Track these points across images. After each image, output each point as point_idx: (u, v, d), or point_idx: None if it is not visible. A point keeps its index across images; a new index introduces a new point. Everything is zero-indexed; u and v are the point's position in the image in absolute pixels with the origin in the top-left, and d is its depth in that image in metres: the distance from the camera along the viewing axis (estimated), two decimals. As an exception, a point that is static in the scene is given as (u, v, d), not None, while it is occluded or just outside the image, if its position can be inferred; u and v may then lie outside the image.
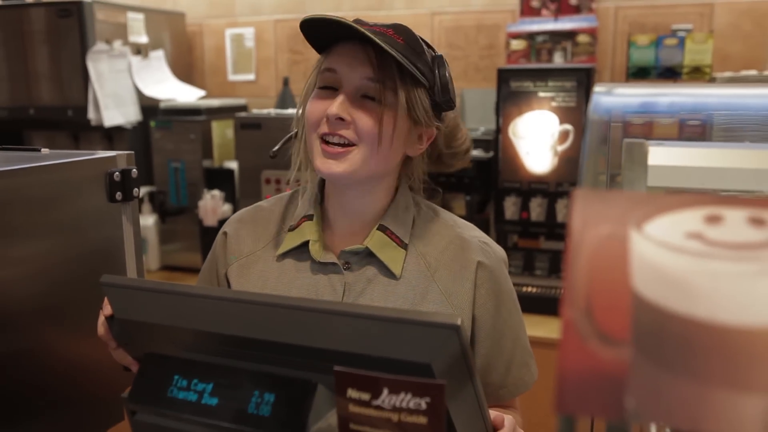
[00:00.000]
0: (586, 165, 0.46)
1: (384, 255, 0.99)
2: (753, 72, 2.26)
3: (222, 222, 2.54)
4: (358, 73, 0.94)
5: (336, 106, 0.93)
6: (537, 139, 2.20)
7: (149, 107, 2.75)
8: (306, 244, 1.02)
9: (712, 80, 2.32)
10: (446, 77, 0.99)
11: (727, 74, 2.29)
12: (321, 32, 0.96)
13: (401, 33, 0.95)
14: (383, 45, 0.90)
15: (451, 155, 1.11)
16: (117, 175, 1.11)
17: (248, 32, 3.06)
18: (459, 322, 0.64)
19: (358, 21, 0.97)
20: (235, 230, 1.09)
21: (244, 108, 2.91)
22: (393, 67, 0.93)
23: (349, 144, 0.94)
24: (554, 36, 2.52)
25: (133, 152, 1.16)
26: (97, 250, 1.13)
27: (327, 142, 0.95)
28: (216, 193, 2.58)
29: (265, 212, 1.10)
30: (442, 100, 1.00)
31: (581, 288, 0.41)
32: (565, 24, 2.51)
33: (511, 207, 2.27)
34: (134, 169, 1.14)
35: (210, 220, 2.56)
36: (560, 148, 2.19)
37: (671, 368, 0.38)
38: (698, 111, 0.59)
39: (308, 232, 1.02)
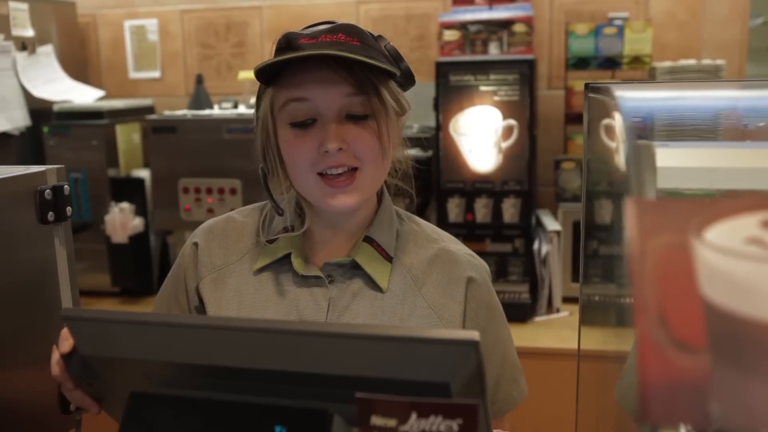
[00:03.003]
0: (633, 174, 0.50)
1: (370, 268, 1.02)
2: (692, 62, 2.43)
3: (134, 238, 2.49)
4: (335, 92, 0.95)
5: (333, 138, 0.94)
6: (480, 135, 2.27)
7: (39, 110, 2.63)
8: (285, 257, 1.03)
9: (652, 70, 2.47)
10: (395, 50, 1.02)
11: (667, 64, 2.45)
12: (274, 65, 0.95)
13: (352, 34, 0.97)
14: (364, 59, 0.92)
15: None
16: (48, 193, 1.08)
17: (151, 24, 2.98)
18: (477, 338, 0.67)
19: (292, 35, 0.97)
20: (207, 241, 1.09)
21: (150, 109, 2.84)
22: (367, 73, 0.95)
23: (351, 169, 0.96)
24: (489, 26, 2.60)
25: (63, 166, 1.12)
26: (25, 279, 1.09)
27: (327, 175, 0.96)
28: (125, 205, 2.50)
29: (237, 224, 1.10)
30: (405, 76, 1.02)
31: (651, 298, 0.45)
32: (501, 13, 2.59)
33: (454, 209, 2.33)
34: (66, 185, 1.11)
35: (119, 237, 2.49)
36: (505, 144, 2.27)
37: (751, 372, 0.42)
38: (720, 111, 0.64)
39: (289, 245, 1.04)
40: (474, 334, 0.67)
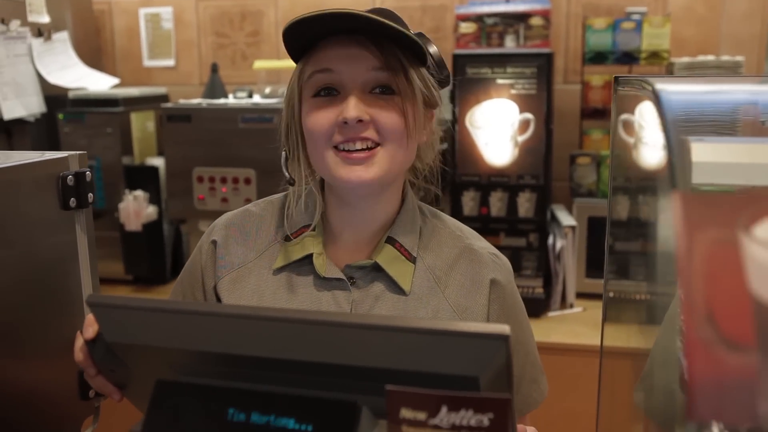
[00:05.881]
0: (677, 167, 0.49)
1: (393, 270, 1.00)
2: (710, 57, 2.41)
3: (147, 226, 2.49)
4: (361, 66, 0.93)
5: (352, 107, 0.92)
6: (496, 129, 2.26)
7: (54, 97, 2.63)
8: (307, 257, 1.02)
9: (670, 66, 2.45)
10: (438, 53, 1.01)
11: (685, 59, 2.43)
12: (301, 33, 0.94)
13: (386, 17, 0.95)
14: (391, 24, 0.90)
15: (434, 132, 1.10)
16: (70, 179, 1.08)
17: (166, 12, 2.98)
18: (508, 332, 0.66)
19: (327, 9, 0.97)
20: (225, 238, 1.07)
21: (164, 98, 2.84)
22: (396, 50, 0.94)
23: (373, 145, 0.94)
24: (505, 18, 2.59)
25: (85, 152, 1.12)
26: (47, 265, 1.09)
27: (345, 150, 0.94)
28: (139, 193, 2.50)
29: (255, 218, 1.08)
30: (441, 76, 1.01)
31: (699, 294, 0.44)
32: (517, 6, 2.58)
33: (469, 202, 2.32)
34: (88, 172, 1.11)
35: (133, 225, 2.49)
36: (521, 138, 2.26)
37: (802, 371, 0.41)
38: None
39: (311, 244, 1.02)
40: (505, 328, 0.66)
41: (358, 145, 0.93)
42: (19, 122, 2.55)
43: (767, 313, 0.43)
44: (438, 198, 2.14)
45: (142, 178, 2.56)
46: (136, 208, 2.50)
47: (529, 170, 2.27)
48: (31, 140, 2.62)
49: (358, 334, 0.67)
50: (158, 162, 2.59)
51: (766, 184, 0.69)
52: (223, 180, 2.39)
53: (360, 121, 0.92)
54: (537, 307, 2.31)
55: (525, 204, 2.29)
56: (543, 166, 2.26)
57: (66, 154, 1.09)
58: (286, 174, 1.03)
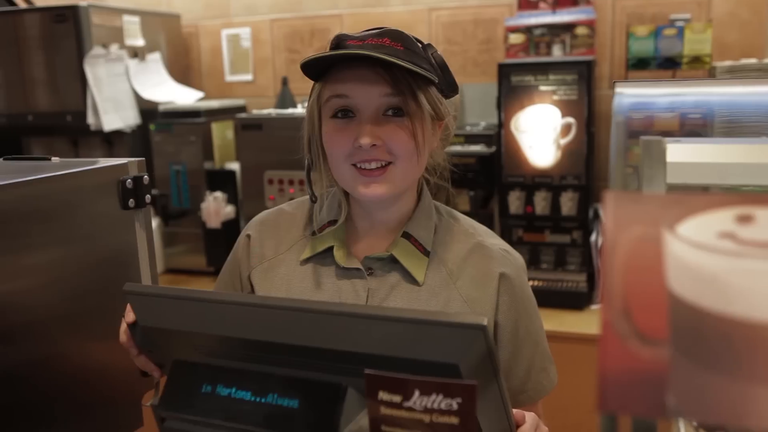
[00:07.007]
0: (615, 167, 0.47)
1: (407, 262, 1.01)
2: (753, 60, 2.28)
3: (226, 224, 2.57)
4: (374, 92, 0.95)
5: (367, 135, 0.94)
6: (539, 132, 2.21)
7: (148, 110, 2.75)
8: (329, 249, 1.04)
9: (712, 69, 2.33)
10: (442, 60, 1.01)
11: (727, 63, 2.31)
12: (319, 61, 0.96)
13: (397, 39, 0.96)
14: (400, 62, 0.91)
15: (446, 138, 1.10)
16: (129, 183, 1.12)
17: (244, 32, 3.06)
18: (485, 322, 0.65)
19: (343, 36, 0.98)
20: (259, 233, 1.10)
21: (242, 109, 2.92)
22: (406, 76, 0.95)
23: (386, 163, 0.96)
24: (552, 29, 2.53)
25: (143, 159, 1.17)
26: (110, 258, 1.14)
27: (361, 168, 0.96)
28: (218, 194, 2.59)
29: (287, 216, 1.11)
30: (448, 85, 1.01)
31: (618, 289, 0.42)
32: (564, 17, 2.52)
33: (515, 201, 2.28)
34: (146, 176, 1.15)
35: (213, 222, 2.57)
36: (563, 141, 2.20)
37: (711, 366, 0.39)
38: (714, 107, 0.60)
39: (332, 237, 1.04)
40: (482, 319, 0.65)
41: (373, 165, 0.96)
42: (117, 133, 2.68)
43: (682, 308, 0.41)
44: (489, 198, 2.10)
45: (222, 180, 2.64)
46: (216, 208, 2.58)
47: (571, 171, 2.21)
48: (128, 149, 2.74)
49: (347, 323, 0.68)
50: (235, 166, 2.67)
51: (737, 183, 0.66)
52: (291, 182, 2.43)
53: (373, 145, 0.94)
54: (580, 301, 2.25)
55: (568, 203, 2.23)
56: (585, 166, 2.20)
57: (126, 161, 1.14)
58: (309, 190, 1.04)
